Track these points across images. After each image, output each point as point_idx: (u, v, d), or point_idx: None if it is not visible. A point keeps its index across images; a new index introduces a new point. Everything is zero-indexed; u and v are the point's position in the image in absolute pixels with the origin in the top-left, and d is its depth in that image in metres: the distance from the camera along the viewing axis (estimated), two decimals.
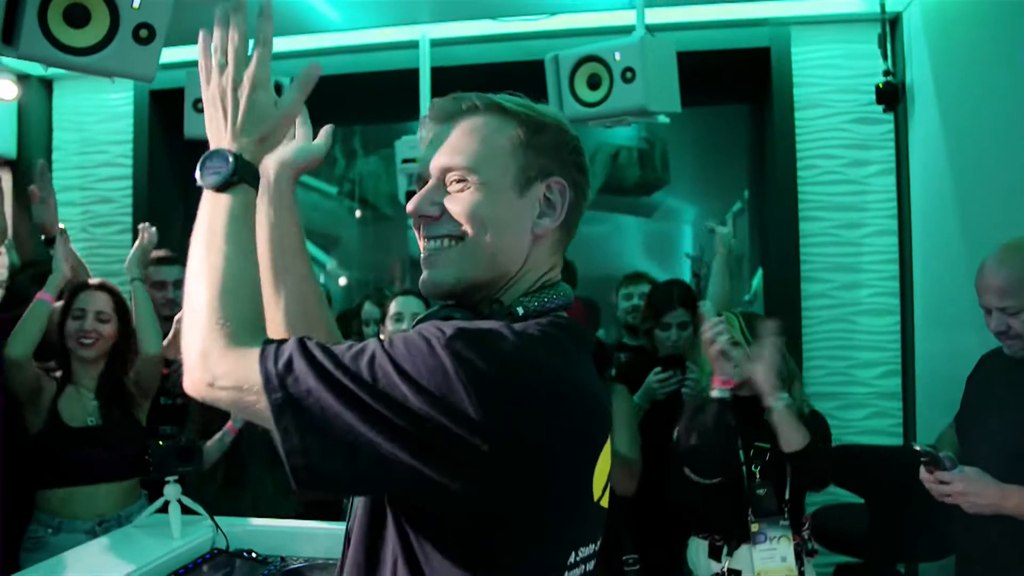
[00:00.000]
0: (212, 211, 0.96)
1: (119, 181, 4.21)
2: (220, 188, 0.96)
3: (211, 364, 0.86)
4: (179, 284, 3.18)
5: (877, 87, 3.40)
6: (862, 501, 3.05)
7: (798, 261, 3.61)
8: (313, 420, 0.81)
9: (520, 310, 0.98)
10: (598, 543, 1.03)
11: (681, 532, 2.66)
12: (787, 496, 2.45)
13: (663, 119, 3.14)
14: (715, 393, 2.40)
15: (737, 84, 4.09)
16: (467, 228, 1.00)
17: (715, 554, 2.47)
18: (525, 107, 1.05)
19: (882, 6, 3.41)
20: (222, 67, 1.01)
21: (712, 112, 4.86)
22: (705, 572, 2.51)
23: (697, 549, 2.53)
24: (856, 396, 3.58)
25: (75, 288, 2.75)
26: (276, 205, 1.19)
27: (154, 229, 3.03)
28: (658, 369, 3.05)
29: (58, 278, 2.68)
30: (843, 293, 3.61)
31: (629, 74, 2.97)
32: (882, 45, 3.43)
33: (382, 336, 2.85)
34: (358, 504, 0.98)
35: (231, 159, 0.97)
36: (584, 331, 1.02)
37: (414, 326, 0.92)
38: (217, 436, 2.78)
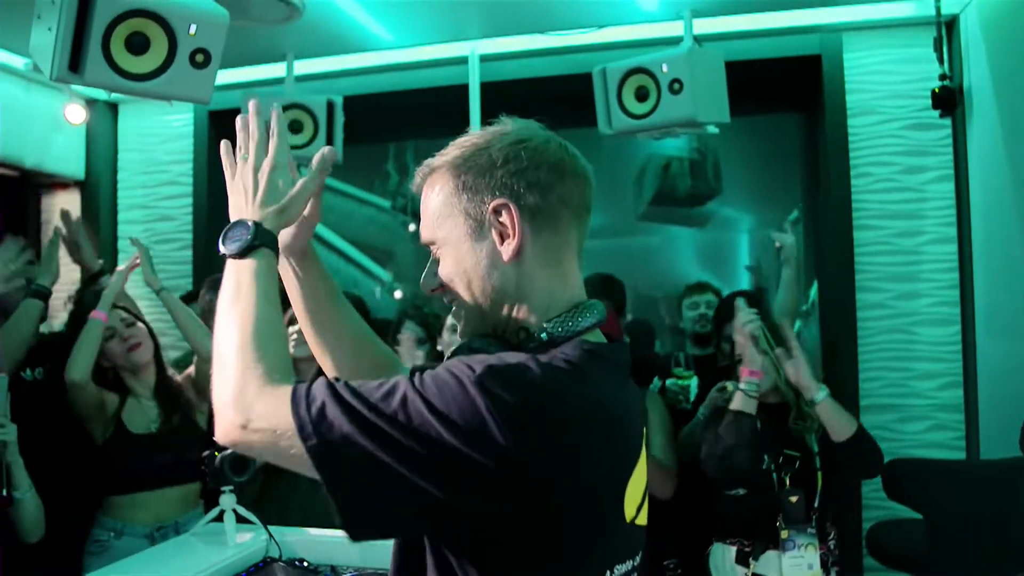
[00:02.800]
0: (237, 273, 1.02)
1: (180, 199, 4.34)
2: (243, 254, 1.02)
3: (246, 404, 0.89)
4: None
5: (933, 92, 3.32)
6: (919, 517, 2.96)
7: (853, 271, 3.54)
8: (353, 468, 0.84)
9: (544, 336, 0.99)
10: (636, 560, 1.04)
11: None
12: (816, 504, 2.46)
13: (712, 129, 3.13)
14: (742, 385, 2.44)
15: (789, 92, 4.04)
16: (455, 289, 1.05)
17: (743, 559, 2.47)
18: (457, 148, 1.06)
19: (938, 9, 3.33)
20: (244, 159, 1.09)
21: (764, 121, 4.81)
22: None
23: (723, 555, 2.52)
24: (915, 408, 3.49)
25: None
26: (299, 262, 1.26)
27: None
28: (720, 384, 3.04)
29: (111, 296, 2.77)
30: (900, 303, 3.53)
31: (677, 85, 2.98)
32: (938, 49, 3.35)
33: (440, 348, 2.88)
34: None
35: (251, 226, 1.03)
36: (614, 351, 1.03)
37: (447, 358, 0.96)
38: None
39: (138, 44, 2.20)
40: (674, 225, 6.72)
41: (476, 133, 1.07)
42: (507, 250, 1.01)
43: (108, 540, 2.66)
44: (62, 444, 2.75)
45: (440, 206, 1.05)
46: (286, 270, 1.23)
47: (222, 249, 1.04)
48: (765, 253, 3.48)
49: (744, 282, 6.92)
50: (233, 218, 1.07)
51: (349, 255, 6.92)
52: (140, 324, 2.84)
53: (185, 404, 2.85)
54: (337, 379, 0.90)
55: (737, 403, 2.48)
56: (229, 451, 2.19)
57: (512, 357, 0.90)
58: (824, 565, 2.46)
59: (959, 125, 3.44)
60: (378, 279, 6.24)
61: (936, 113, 3.36)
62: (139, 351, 2.77)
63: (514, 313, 1.03)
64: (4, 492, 2.34)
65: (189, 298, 3.75)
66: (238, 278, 1.01)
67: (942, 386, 3.47)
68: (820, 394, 2.42)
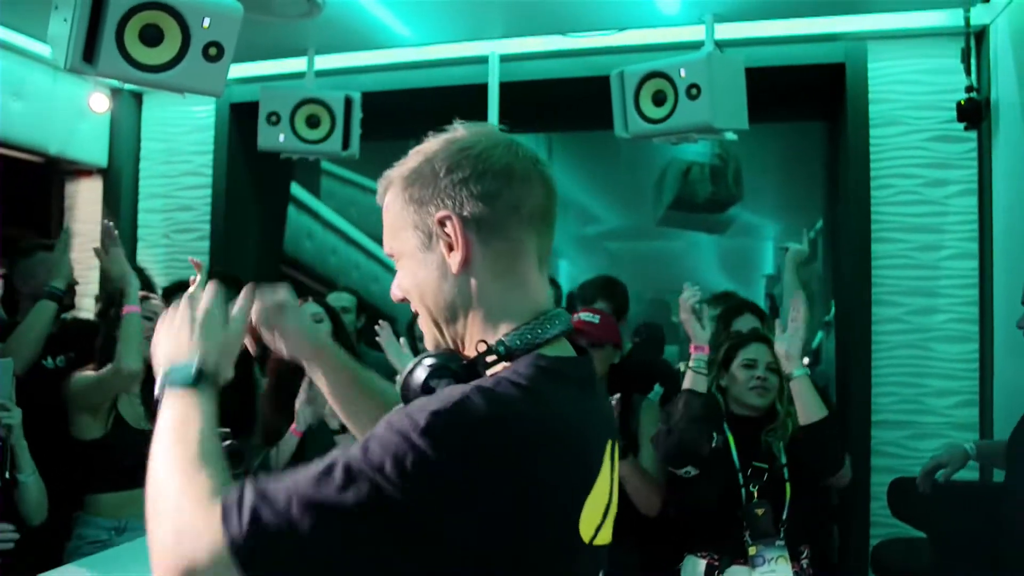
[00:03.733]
0: (174, 407, 1.01)
1: (200, 190, 4.38)
2: (180, 390, 1.02)
3: (187, 542, 0.85)
4: None
5: (959, 104, 3.26)
6: (923, 535, 2.92)
7: (870, 284, 3.49)
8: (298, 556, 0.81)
9: (502, 349, 0.97)
10: None
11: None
12: (784, 516, 2.43)
13: (731, 136, 3.10)
14: (691, 363, 2.45)
15: (812, 100, 4.00)
16: (412, 300, 1.05)
17: (711, 572, 2.45)
18: (409, 159, 1.05)
19: (967, 19, 3.28)
20: (177, 305, 1.13)
21: (787, 129, 4.77)
22: None
23: (693, 567, 2.50)
24: (929, 426, 3.43)
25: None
26: (325, 369, 1.36)
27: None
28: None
29: (135, 286, 2.79)
30: (918, 318, 3.47)
31: (694, 90, 2.95)
32: (965, 60, 3.30)
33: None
34: None
35: (190, 366, 1.04)
36: (573, 366, 1.00)
37: (403, 376, 1.00)
38: (283, 440, 2.86)
39: (152, 36, 2.22)
40: (693, 231, 6.69)
41: (427, 142, 1.05)
42: (454, 262, 0.99)
43: (110, 539, 2.63)
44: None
45: (394, 219, 1.05)
46: (314, 372, 1.36)
47: (159, 390, 1.04)
48: (783, 262, 3.44)
49: (762, 289, 6.86)
50: (171, 359, 1.07)
51: (370, 250, 6.96)
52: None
53: None
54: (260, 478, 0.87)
55: (687, 381, 2.49)
56: (225, 442, 2.20)
57: (455, 392, 0.87)
58: None
59: (984, 138, 3.37)
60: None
61: (961, 125, 3.30)
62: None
63: (468, 324, 1.02)
64: (8, 475, 2.37)
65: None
66: (175, 412, 1.01)
67: (957, 404, 3.40)
68: (797, 371, 2.40)
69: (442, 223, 0.99)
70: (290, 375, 2.99)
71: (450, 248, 0.99)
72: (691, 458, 2.42)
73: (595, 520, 0.97)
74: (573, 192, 7.31)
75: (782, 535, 2.40)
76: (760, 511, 2.39)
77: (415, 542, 0.82)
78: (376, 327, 2.76)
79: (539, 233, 1.03)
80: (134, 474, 2.60)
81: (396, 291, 1.07)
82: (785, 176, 5.99)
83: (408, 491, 0.80)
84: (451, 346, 1.04)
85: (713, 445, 2.43)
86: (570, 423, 0.94)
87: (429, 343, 1.07)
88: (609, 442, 1.02)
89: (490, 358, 0.97)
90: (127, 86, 4.27)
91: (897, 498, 2.87)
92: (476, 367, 0.98)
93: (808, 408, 2.37)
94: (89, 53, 2.16)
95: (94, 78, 3.90)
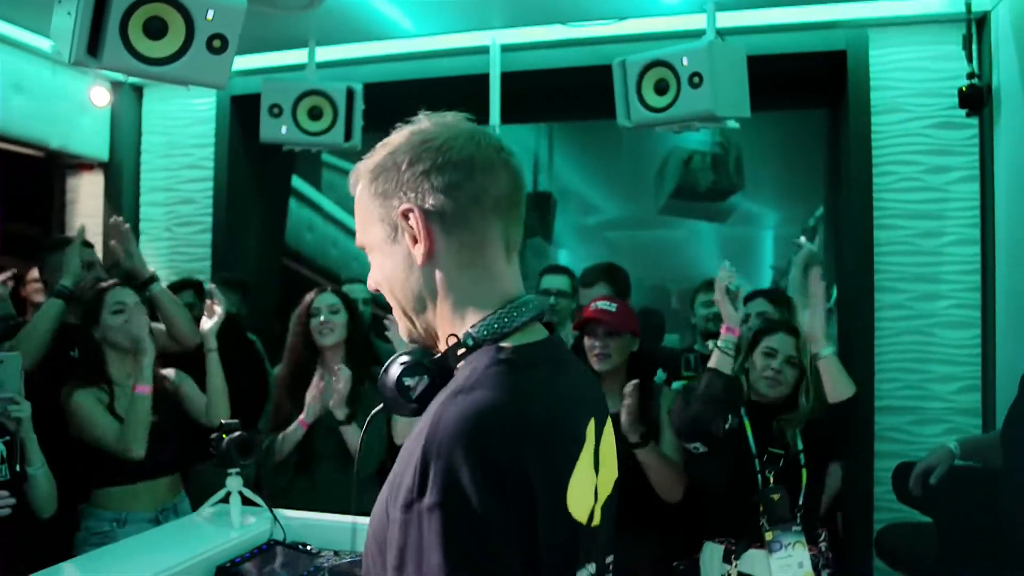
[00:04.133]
0: None
1: (201, 183, 4.38)
2: None
3: None
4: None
5: (960, 90, 3.26)
6: (928, 520, 2.94)
7: (872, 270, 3.50)
8: None
9: (470, 341, 0.99)
10: (603, 561, 1.03)
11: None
12: (800, 501, 2.45)
13: (733, 124, 3.10)
14: (719, 342, 2.44)
15: (813, 88, 4.00)
16: (383, 292, 1.07)
17: (728, 557, 2.47)
18: (375, 153, 1.06)
19: (968, 6, 3.27)
20: None
21: (788, 117, 4.76)
22: (715, 575, 2.50)
23: (712, 554, 2.52)
24: (931, 411, 3.45)
25: (97, 292, 2.83)
26: None
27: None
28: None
29: (150, 356, 2.71)
30: (920, 304, 3.48)
31: (696, 79, 2.94)
32: (967, 46, 3.30)
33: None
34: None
35: None
36: (541, 349, 1.01)
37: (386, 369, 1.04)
38: (290, 429, 2.87)
39: (156, 29, 2.22)
40: (695, 219, 6.68)
41: (392, 135, 1.06)
42: (418, 254, 1.00)
43: (112, 530, 2.65)
44: None
45: (363, 212, 1.06)
46: None
47: None
48: (789, 251, 3.45)
49: (767, 279, 6.86)
50: None
51: None
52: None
53: (168, 397, 2.85)
54: None
55: (713, 360, 2.49)
56: (236, 433, 2.22)
57: (415, 450, 0.88)
58: (815, 567, 2.44)
59: (986, 125, 3.37)
60: None
61: (963, 112, 3.31)
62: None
63: (437, 315, 1.03)
64: (18, 468, 2.38)
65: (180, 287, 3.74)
66: None
67: (960, 389, 3.42)
68: (826, 350, 2.41)
69: (405, 216, 1.00)
70: (307, 364, 3.01)
71: (414, 240, 1.00)
72: (702, 435, 2.43)
73: (586, 501, 0.97)
74: (573, 182, 7.30)
75: (799, 520, 2.41)
76: (776, 496, 2.41)
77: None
78: (386, 321, 2.77)
79: (505, 222, 1.03)
80: (134, 470, 2.64)
81: (370, 283, 1.09)
82: (785, 164, 5.98)
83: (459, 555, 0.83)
84: (423, 336, 1.06)
85: (727, 427, 2.44)
86: (535, 407, 0.94)
87: (403, 333, 1.09)
88: (592, 420, 1.02)
89: (460, 351, 0.99)
90: (128, 79, 4.26)
91: (902, 483, 2.88)
92: (447, 361, 1.00)
93: (837, 386, 2.38)
94: (93, 46, 2.16)
95: (94, 72, 3.91)
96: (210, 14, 2.25)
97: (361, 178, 1.06)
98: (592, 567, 0.99)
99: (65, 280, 2.97)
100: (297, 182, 5.70)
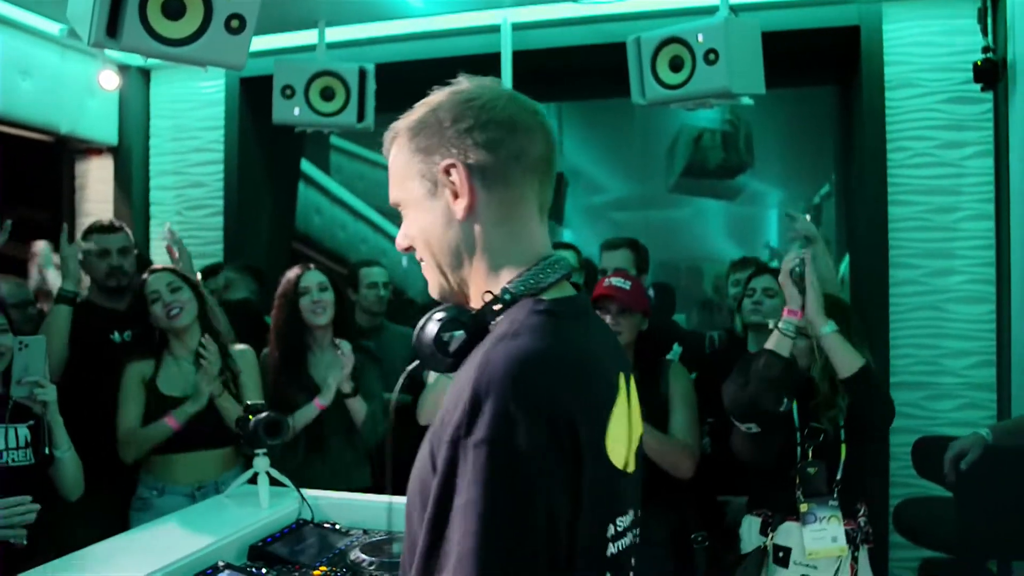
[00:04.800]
0: None
1: (211, 166, 4.37)
2: None
3: None
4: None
5: (975, 64, 3.25)
6: (948, 495, 2.95)
7: (886, 246, 3.50)
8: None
9: (507, 296, 1.02)
10: (636, 512, 1.05)
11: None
12: (839, 476, 2.45)
13: (747, 101, 3.09)
14: (780, 324, 2.42)
15: (825, 64, 3.98)
16: (418, 248, 1.09)
17: (765, 530, 2.48)
18: (415, 111, 1.08)
19: None
20: None
21: (798, 93, 4.74)
22: (751, 547, 2.51)
23: (750, 526, 2.53)
24: (946, 386, 3.46)
25: (142, 281, 2.88)
26: None
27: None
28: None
29: (192, 410, 2.75)
30: (934, 280, 3.48)
31: (712, 56, 2.93)
32: (982, 20, 3.28)
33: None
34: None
35: None
36: (571, 304, 1.04)
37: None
38: (303, 410, 2.88)
39: (174, 9, 2.20)
40: (704, 197, 6.68)
41: (433, 94, 1.09)
42: (459, 208, 1.03)
43: (151, 498, 2.74)
44: None
45: (401, 168, 1.09)
46: None
47: None
48: (790, 230, 3.45)
49: (764, 259, 6.89)
50: None
51: (377, 224, 6.95)
52: (186, 289, 2.85)
53: (227, 373, 2.87)
54: None
55: (771, 342, 2.45)
56: (264, 414, 2.22)
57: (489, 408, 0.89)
58: (852, 541, 2.44)
59: (1001, 99, 3.36)
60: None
61: (978, 87, 3.30)
62: (179, 317, 2.80)
63: (473, 270, 1.06)
64: (46, 451, 2.39)
65: (210, 272, 3.78)
66: None
67: (975, 364, 3.43)
68: (826, 328, 2.40)
69: (447, 171, 1.03)
70: (298, 344, 3.01)
71: (455, 195, 1.03)
72: (759, 417, 2.43)
73: (622, 447, 1.00)
74: (580, 161, 7.29)
75: (836, 495, 2.42)
76: (812, 470, 2.41)
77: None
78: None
79: (540, 182, 1.07)
80: (168, 441, 2.68)
81: (402, 240, 1.12)
82: (792, 142, 5.97)
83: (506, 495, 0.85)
84: (454, 292, 1.09)
85: (782, 409, 2.44)
86: (583, 353, 0.98)
87: (434, 290, 1.11)
88: (621, 374, 1.05)
89: (496, 307, 1.02)
90: (136, 62, 4.25)
91: (922, 457, 2.90)
92: (484, 317, 1.03)
93: (844, 362, 2.37)
94: (112, 28, 2.13)
95: (103, 56, 3.89)
96: None
97: (399, 135, 1.09)
98: (628, 516, 1.01)
99: (67, 284, 2.98)
100: (305, 165, 5.69)
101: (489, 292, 1.03)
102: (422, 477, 0.96)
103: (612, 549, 0.97)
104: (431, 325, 1.05)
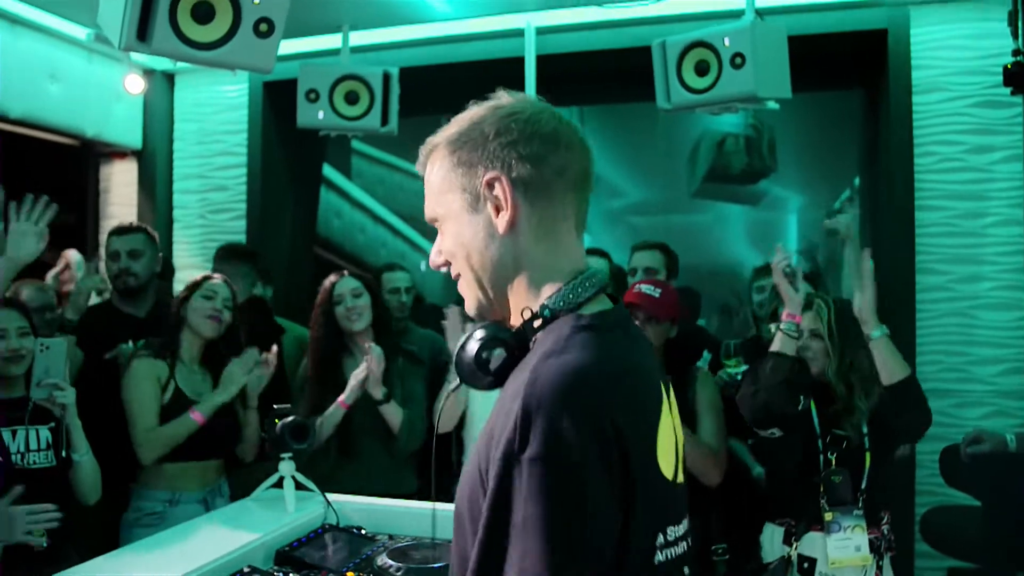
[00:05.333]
0: None
1: (234, 169, 4.39)
2: None
3: None
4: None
5: (1005, 68, 3.19)
6: (976, 503, 2.92)
7: (913, 252, 3.46)
8: None
9: (547, 313, 1.01)
10: (686, 524, 1.05)
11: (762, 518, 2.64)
12: (863, 485, 2.42)
13: (772, 105, 3.07)
14: (782, 325, 2.40)
15: (850, 68, 3.95)
16: (456, 263, 1.09)
17: (789, 540, 2.45)
18: (454, 125, 1.08)
19: None
20: None
21: (822, 97, 4.69)
22: (774, 557, 2.49)
23: (772, 535, 2.51)
24: (974, 394, 3.41)
25: (200, 279, 2.89)
26: None
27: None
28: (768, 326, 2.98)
29: (217, 401, 2.75)
30: (962, 286, 3.44)
31: (739, 59, 2.91)
32: (1013, 22, 3.23)
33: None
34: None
35: None
36: (613, 317, 1.04)
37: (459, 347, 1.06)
38: (329, 411, 2.88)
39: (204, 13, 2.22)
40: (725, 202, 6.64)
41: (472, 109, 1.08)
42: (501, 222, 1.03)
43: (164, 510, 2.68)
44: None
45: (439, 182, 1.08)
46: None
47: None
48: (816, 234, 3.42)
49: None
50: None
51: (397, 228, 6.97)
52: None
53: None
54: None
55: (776, 344, 2.45)
56: (290, 418, 2.22)
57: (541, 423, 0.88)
58: (876, 549, 2.42)
59: None
60: (424, 252, 6.28)
61: (1007, 90, 3.24)
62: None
63: (513, 285, 1.06)
64: (64, 454, 2.39)
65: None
66: None
67: (1004, 372, 3.38)
68: (876, 332, 2.38)
69: (491, 185, 1.03)
70: (336, 351, 3.02)
71: (497, 210, 1.03)
72: (778, 420, 2.41)
73: (671, 458, 1.01)
74: (601, 166, 7.28)
75: (860, 504, 2.40)
76: (837, 479, 2.39)
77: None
78: (446, 311, 2.81)
79: (580, 198, 1.08)
80: (185, 448, 2.67)
81: (436, 257, 1.11)
82: (815, 146, 5.93)
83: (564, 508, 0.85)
84: (492, 308, 1.08)
85: (799, 408, 2.42)
86: (628, 365, 0.98)
87: (471, 307, 1.11)
88: (661, 383, 1.05)
89: (536, 323, 1.02)
90: (160, 67, 4.28)
91: (949, 466, 2.86)
92: (524, 334, 1.02)
93: (890, 368, 2.34)
94: (143, 32, 2.15)
95: (128, 60, 3.92)
96: None
97: (437, 149, 1.08)
98: (681, 527, 1.01)
99: (70, 313, 3.02)
100: (326, 169, 5.71)
101: (528, 309, 1.03)
102: (471, 493, 0.96)
103: (660, 557, 0.96)
104: (472, 344, 1.05)
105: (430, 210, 1.11)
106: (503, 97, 1.08)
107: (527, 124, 1.03)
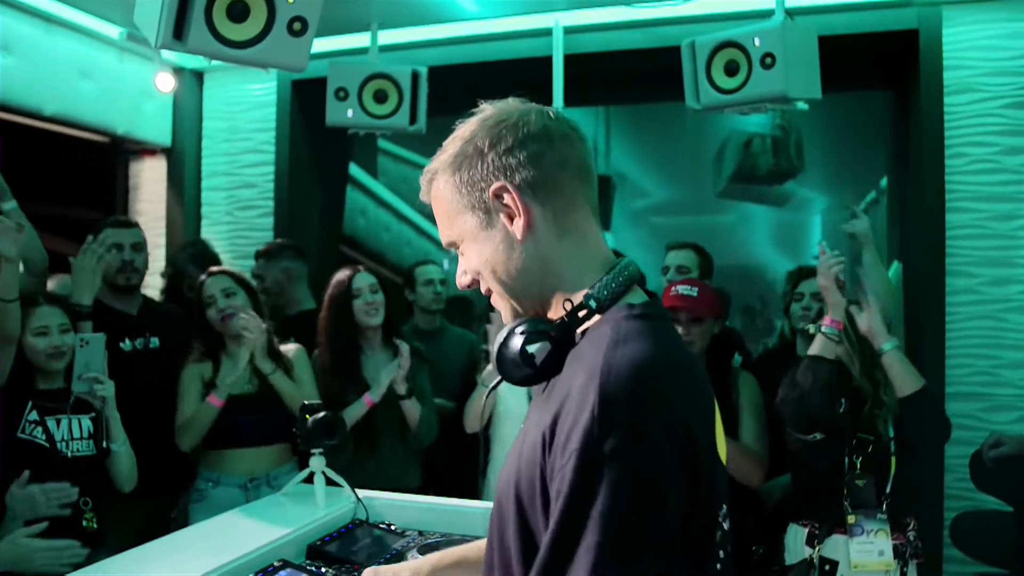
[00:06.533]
0: None
1: (262, 167, 4.42)
2: None
3: None
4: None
5: None
6: (1007, 508, 2.89)
7: (943, 254, 3.43)
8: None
9: (592, 303, 1.01)
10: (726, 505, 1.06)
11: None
12: (888, 490, 2.41)
13: (802, 106, 3.05)
14: (823, 328, 2.39)
15: (880, 68, 3.92)
16: (484, 279, 1.09)
17: (812, 542, 2.44)
18: (448, 148, 1.08)
19: None
20: None
21: (849, 98, 4.66)
22: (796, 559, 2.47)
23: (796, 536, 2.50)
24: (1004, 398, 3.38)
25: (200, 282, 2.95)
26: None
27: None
28: (803, 327, 2.96)
29: (228, 383, 2.81)
30: (992, 289, 3.41)
31: (769, 59, 2.90)
32: None
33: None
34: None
35: None
36: (657, 306, 1.05)
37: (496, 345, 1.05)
38: (352, 408, 2.91)
39: (239, 12, 2.23)
40: (750, 203, 6.61)
41: (460, 127, 1.09)
42: (518, 228, 1.03)
43: (207, 489, 2.83)
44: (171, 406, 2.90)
45: (448, 207, 1.08)
46: None
47: None
48: (838, 236, 3.39)
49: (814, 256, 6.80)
50: None
51: (421, 226, 6.99)
52: (240, 293, 2.90)
53: (283, 368, 2.93)
54: None
55: (816, 347, 2.42)
56: (321, 414, 2.24)
57: (591, 391, 0.89)
58: (902, 555, 2.41)
59: None
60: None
61: None
62: (232, 321, 2.84)
63: (546, 288, 1.06)
64: (104, 444, 2.45)
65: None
66: None
67: None
68: (887, 344, 2.37)
69: (498, 195, 1.04)
70: (350, 345, 3.04)
71: (511, 218, 1.04)
72: (822, 424, 2.40)
73: (722, 440, 1.03)
74: (624, 166, 7.26)
75: (884, 508, 2.38)
76: (861, 482, 2.38)
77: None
78: (487, 327, 2.85)
79: (587, 187, 1.08)
80: (225, 436, 2.75)
81: (463, 278, 1.11)
82: (841, 147, 5.89)
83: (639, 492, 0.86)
84: (529, 313, 1.08)
85: (840, 411, 2.41)
86: (681, 354, 1.00)
87: (507, 318, 1.10)
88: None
89: (581, 313, 1.01)
90: (190, 65, 4.32)
91: (979, 471, 2.83)
92: (569, 325, 1.02)
93: (903, 381, 2.33)
94: (179, 30, 2.17)
95: (159, 58, 3.96)
96: None
97: (438, 175, 1.09)
98: (725, 507, 1.02)
99: (83, 299, 2.78)
100: (351, 167, 5.74)
101: (569, 300, 1.03)
102: (527, 480, 0.96)
103: (718, 534, 0.98)
104: (515, 339, 1.04)
105: (445, 236, 1.11)
106: (487, 108, 1.09)
107: (517, 128, 1.04)
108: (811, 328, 2.50)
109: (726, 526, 1.00)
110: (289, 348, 3.03)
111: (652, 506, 0.86)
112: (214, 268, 3.04)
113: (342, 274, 3.07)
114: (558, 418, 0.92)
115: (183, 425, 2.81)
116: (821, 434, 2.41)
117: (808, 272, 3.23)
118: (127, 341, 3.05)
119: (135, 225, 3.25)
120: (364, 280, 3.03)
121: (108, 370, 2.47)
